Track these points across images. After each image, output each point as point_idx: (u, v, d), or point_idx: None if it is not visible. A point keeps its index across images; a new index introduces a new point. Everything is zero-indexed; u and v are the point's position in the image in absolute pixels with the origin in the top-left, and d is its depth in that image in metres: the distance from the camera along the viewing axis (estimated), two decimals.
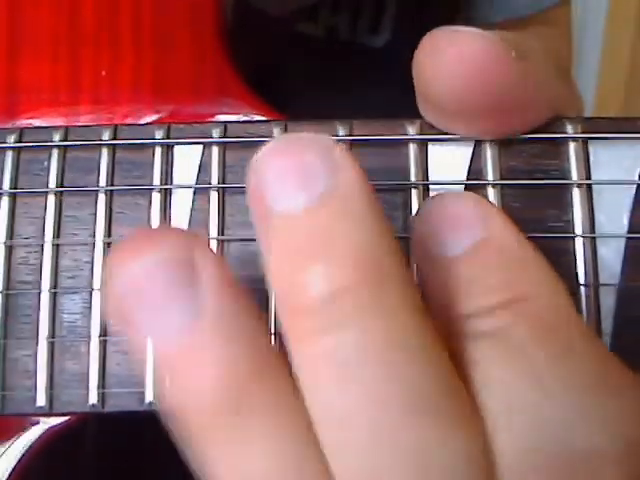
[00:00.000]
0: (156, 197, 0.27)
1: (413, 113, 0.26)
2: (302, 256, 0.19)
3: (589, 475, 0.18)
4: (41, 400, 0.27)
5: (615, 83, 1.40)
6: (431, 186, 0.26)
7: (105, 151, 0.28)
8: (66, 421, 0.28)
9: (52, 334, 0.27)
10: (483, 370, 0.20)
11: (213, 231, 0.27)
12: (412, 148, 0.26)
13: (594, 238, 0.25)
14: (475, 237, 0.21)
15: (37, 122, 0.30)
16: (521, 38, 0.23)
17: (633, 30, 1.39)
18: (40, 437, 0.28)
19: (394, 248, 0.19)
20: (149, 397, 0.26)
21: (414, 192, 0.26)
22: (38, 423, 0.28)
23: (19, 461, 0.28)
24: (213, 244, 0.27)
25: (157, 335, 0.19)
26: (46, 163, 0.28)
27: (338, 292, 0.18)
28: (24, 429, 0.28)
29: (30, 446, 0.28)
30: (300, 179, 0.19)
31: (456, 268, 0.21)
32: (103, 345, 0.27)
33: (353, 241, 0.19)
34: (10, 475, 0.28)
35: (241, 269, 0.26)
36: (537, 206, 0.26)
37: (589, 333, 0.20)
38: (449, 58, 0.22)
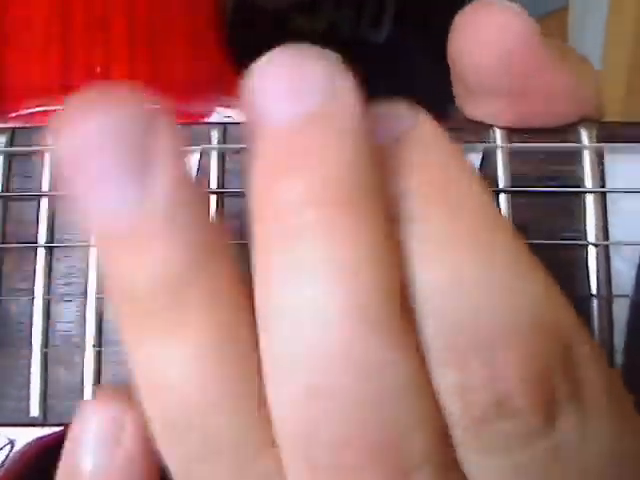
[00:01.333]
0: None
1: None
2: (280, 167, 0.19)
3: (494, 352, 0.18)
4: (35, 410, 0.26)
5: (615, 83, 1.40)
6: None
7: None
8: (59, 432, 0.27)
9: (45, 343, 0.26)
10: (409, 254, 0.19)
11: None
12: None
13: (607, 249, 0.24)
14: (404, 126, 0.21)
15: (29, 120, 0.29)
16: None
17: (633, 30, 1.39)
18: (31, 447, 0.28)
19: (373, 177, 0.19)
20: None
21: None
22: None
23: (6, 472, 0.27)
24: None
25: (100, 207, 0.18)
26: (39, 165, 0.27)
27: (311, 202, 0.18)
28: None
29: (22, 456, 0.28)
30: (295, 91, 0.19)
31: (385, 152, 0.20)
32: (97, 354, 0.26)
33: (341, 161, 0.18)
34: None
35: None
36: (549, 215, 0.25)
37: (504, 225, 0.20)
38: (486, 39, 0.22)
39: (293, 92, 0.19)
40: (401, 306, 0.19)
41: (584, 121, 0.25)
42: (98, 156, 0.18)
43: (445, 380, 0.19)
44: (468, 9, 0.23)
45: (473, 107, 0.25)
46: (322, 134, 0.19)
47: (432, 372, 0.19)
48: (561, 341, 0.19)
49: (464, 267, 0.19)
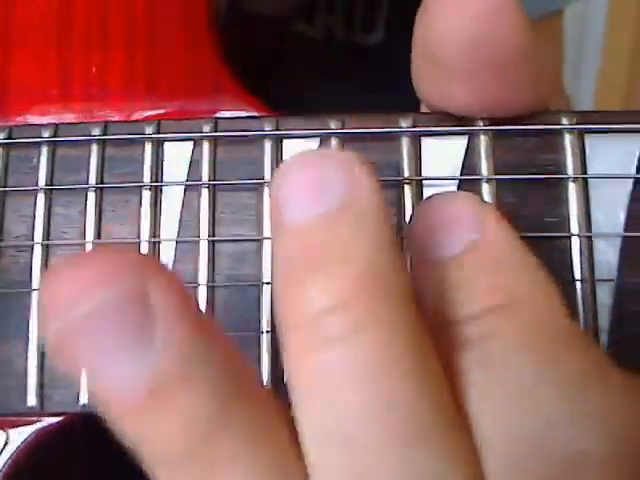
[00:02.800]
0: (146, 194, 0.27)
1: (410, 110, 0.26)
2: (303, 268, 0.18)
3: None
4: (32, 400, 0.27)
5: (615, 83, 1.40)
6: (424, 181, 0.26)
7: (95, 148, 0.27)
8: (57, 421, 0.28)
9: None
10: (469, 382, 0.19)
11: (204, 228, 0.26)
12: (405, 142, 0.26)
13: (590, 233, 0.25)
14: (468, 239, 0.21)
15: (27, 120, 0.30)
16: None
17: (633, 30, 1.39)
18: (30, 436, 0.28)
19: (399, 267, 0.19)
20: None
21: (407, 188, 0.26)
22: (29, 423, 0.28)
23: (9, 460, 0.28)
24: (204, 244, 0.26)
25: (109, 385, 0.18)
26: (35, 161, 0.27)
27: (338, 306, 0.18)
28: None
29: (20, 445, 0.28)
30: (314, 192, 0.19)
31: (447, 271, 0.20)
32: None
33: (359, 256, 0.18)
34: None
35: (232, 267, 0.26)
36: (532, 201, 0.25)
37: (577, 335, 0.20)
38: (457, 15, 0.22)
39: (314, 191, 0.19)
40: (451, 418, 0.18)
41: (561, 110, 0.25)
42: (96, 336, 0.17)
43: None
44: None
45: (439, 90, 0.24)
46: (343, 231, 0.19)
47: None
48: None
49: (536, 397, 0.18)
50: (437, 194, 0.22)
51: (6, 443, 0.28)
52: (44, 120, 0.29)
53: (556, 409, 0.18)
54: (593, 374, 0.19)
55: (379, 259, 0.18)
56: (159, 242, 0.27)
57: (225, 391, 0.18)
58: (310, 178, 0.19)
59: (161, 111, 0.29)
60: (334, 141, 0.26)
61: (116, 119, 0.29)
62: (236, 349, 0.19)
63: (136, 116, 0.29)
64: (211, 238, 0.26)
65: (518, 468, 0.18)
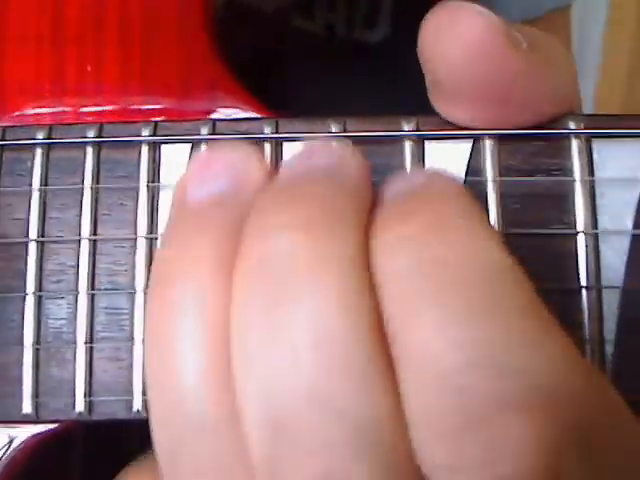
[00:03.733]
0: (143, 198, 0.26)
1: (412, 108, 0.26)
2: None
3: (492, 428, 0.17)
4: (27, 407, 0.26)
5: (615, 83, 1.40)
6: None
7: (90, 150, 0.27)
8: (52, 429, 0.27)
9: (37, 340, 0.26)
10: (391, 312, 0.19)
11: None
12: (408, 146, 0.25)
13: (597, 239, 0.24)
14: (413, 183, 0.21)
15: (22, 119, 0.29)
16: (536, 31, 0.23)
17: (633, 30, 1.39)
18: (24, 444, 0.28)
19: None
20: (137, 405, 0.26)
21: None
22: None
23: (3, 469, 0.27)
24: None
25: None
26: (30, 163, 0.27)
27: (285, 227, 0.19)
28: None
29: (14, 452, 0.28)
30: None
31: (382, 206, 0.21)
32: (89, 351, 0.26)
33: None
34: None
35: None
36: (538, 207, 0.25)
37: (509, 272, 0.19)
38: (450, 38, 0.22)
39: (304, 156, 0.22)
40: (381, 355, 0.18)
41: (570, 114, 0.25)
42: None
43: (433, 456, 0.17)
44: (437, 10, 0.23)
45: (450, 111, 0.25)
46: (321, 182, 0.20)
47: (416, 443, 0.18)
48: (578, 419, 0.17)
49: (454, 330, 0.17)
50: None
51: (5, 451, 0.27)
52: (39, 117, 0.29)
53: (479, 349, 0.17)
54: (525, 319, 0.18)
55: (346, 203, 0.20)
56: (156, 245, 0.26)
57: None
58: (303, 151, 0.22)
59: (156, 107, 0.29)
60: None
61: (111, 111, 0.29)
62: None
63: (131, 114, 0.29)
64: None
65: (434, 409, 0.17)
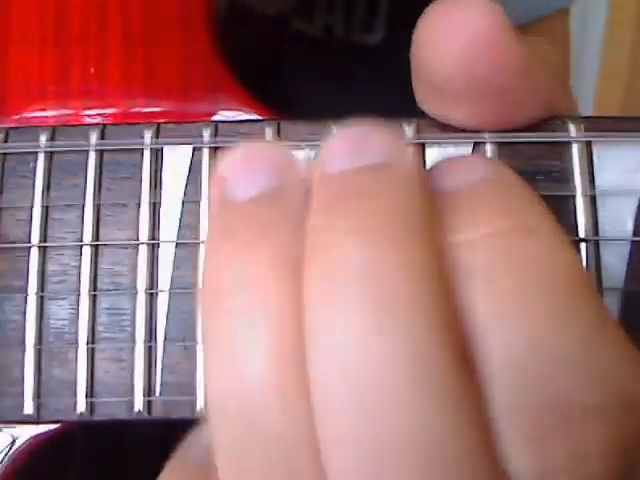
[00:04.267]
0: (145, 199, 0.26)
1: (412, 110, 0.26)
2: (332, 206, 0.19)
3: (575, 431, 0.17)
4: (28, 408, 0.26)
5: (615, 83, 1.40)
6: None
7: (93, 152, 0.27)
8: (54, 429, 0.27)
9: (39, 341, 0.26)
10: (477, 321, 0.18)
11: (204, 234, 0.26)
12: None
13: (597, 244, 0.24)
14: (480, 175, 0.20)
15: (25, 120, 0.29)
16: (525, 36, 0.22)
17: (633, 30, 1.39)
18: (26, 445, 0.28)
19: (421, 226, 0.19)
20: (138, 405, 0.26)
21: None
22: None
23: (4, 470, 0.27)
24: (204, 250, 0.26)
25: None
26: (32, 164, 0.27)
27: (353, 236, 0.18)
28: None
29: (15, 453, 0.28)
30: (358, 150, 0.20)
31: (455, 199, 0.20)
32: (91, 352, 0.26)
33: (384, 202, 0.19)
34: None
35: None
36: None
37: (589, 283, 0.19)
38: (450, 36, 0.22)
39: (356, 150, 0.20)
40: (460, 365, 0.17)
41: (568, 116, 0.25)
42: None
43: (518, 463, 0.17)
44: (434, 6, 0.22)
45: (441, 110, 0.24)
46: (381, 181, 0.19)
47: (500, 447, 0.17)
48: None
49: (543, 334, 0.17)
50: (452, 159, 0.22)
51: (7, 452, 0.27)
52: (42, 119, 0.29)
53: (563, 355, 0.17)
54: (601, 326, 0.18)
55: (414, 209, 0.19)
56: (158, 247, 0.26)
57: None
58: (356, 138, 0.20)
59: (158, 110, 0.29)
60: None
61: (114, 113, 0.29)
62: None
63: (134, 115, 0.29)
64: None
65: (520, 412, 0.17)
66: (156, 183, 0.26)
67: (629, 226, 0.24)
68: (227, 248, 0.19)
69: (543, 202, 0.20)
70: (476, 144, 0.25)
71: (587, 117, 0.25)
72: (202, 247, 0.26)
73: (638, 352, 0.19)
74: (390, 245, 0.18)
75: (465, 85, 0.22)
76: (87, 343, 0.26)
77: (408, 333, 0.17)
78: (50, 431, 0.27)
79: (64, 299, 0.26)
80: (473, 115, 0.24)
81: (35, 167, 0.27)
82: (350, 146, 0.20)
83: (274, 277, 0.19)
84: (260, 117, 0.29)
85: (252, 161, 0.21)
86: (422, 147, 0.25)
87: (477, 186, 0.20)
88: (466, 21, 0.22)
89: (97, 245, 0.26)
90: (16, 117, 0.30)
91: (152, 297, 0.26)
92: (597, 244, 0.24)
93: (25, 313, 0.26)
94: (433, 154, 0.25)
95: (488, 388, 0.17)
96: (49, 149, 0.27)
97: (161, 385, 0.26)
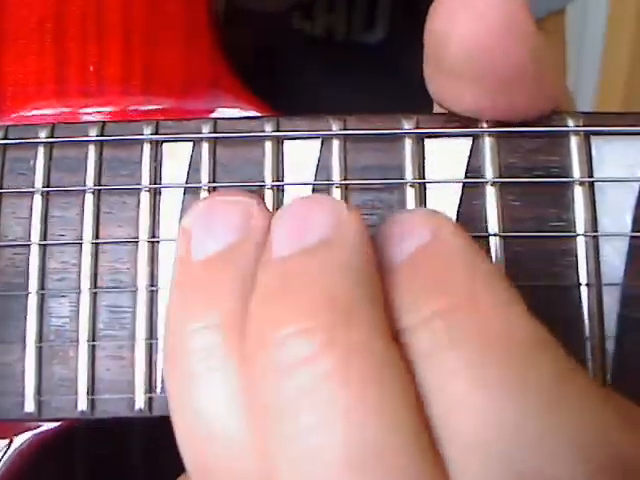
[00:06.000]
0: (145, 196, 0.26)
1: (412, 108, 0.26)
2: (273, 295, 0.19)
3: None
4: (30, 406, 0.26)
5: (615, 84, 1.39)
6: (428, 185, 0.25)
7: (92, 149, 0.27)
8: (56, 427, 0.27)
9: (40, 338, 0.26)
10: (430, 401, 0.18)
11: None
12: (408, 143, 0.26)
13: (596, 238, 0.24)
14: (418, 243, 0.20)
15: (23, 119, 0.29)
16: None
17: (633, 30, 1.39)
18: (28, 443, 0.28)
19: (373, 298, 0.19)
20: (139, 403, 0.26)
21: (410, 190, 0.25)
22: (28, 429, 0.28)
23: (5, 465, 0.27)
24: None
25: None
26: (32, 162, 0.27)
27: (305, 331, 0.18)
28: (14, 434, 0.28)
29: (16, 450, 0.28)
30: (301, 228, 0.20)
31: (396, 276, 0.20)
32: (92, 349, 0.26)
33: (333, 286, 0.19)
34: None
35: None
36: (537, 204, 0.25)
37: (539, 342, 0.18)
38: (470, 16, 0.22)
39: (299, 229, 0.20)
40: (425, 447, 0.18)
41: (567, 112, 0.25)
42: None
43: None
44: None
45: (452, 94, 0.24)
46: (320, 263, 0.19)
47: None
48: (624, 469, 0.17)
49: (498, 411, 0.17)
50: (398, 211, 0.22)
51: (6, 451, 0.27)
52: (40, 119, 0.29)
53: (524, 429, 0.17)
54: (561, 387, 0.18)
55: (353, 290, 0.19)
56: (158, 244, 0.26)
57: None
58: (297, 218, 0.20)
59: (158, 107, 0.29)
60: (336, 142, 0.26)
61: (113, 111, 0.29)
62: None
63: (133, 113, 0.29)
64: None
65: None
66: (156, 180, 0.26)
67: (628, 220, 0.24)
68: (179, 307, 0.21)
69: (486, 259, 0.20)
70: (475, 138, 0.25)
71: (586, 112, 0.25)
72: None
73: (612, 396, 0.18)
74: (331, 339, 0.18)
75: (482, 65, 0.22)
76: (88, 341, 0.26)
77: (374, 444, 0.17)
78: (51, 429, 0.27)
79: (65, 297, 0.26)
80: (481, 98, 0.23)
81: (35, 165, 0.27)
82: (291, 227, 0.20)
83: (220, 346, 0.19)
84: (260, 114, 0.29)
85: (212, 217, 0.21)
86: (422, 140, 0.26)
87: (416, 258, 0.20)
88: (484, 2, 0.22)
89: (98, 238, 0.26)
90: (15, 115, 0.30)
91: (152, 294, 0.26)
92: (596, 238, 0.24)
93: (26, 311, 0.26)
94: (432, 148, 0.26)
95: (453, 467, 0.18)
96: (49, 140, 0.27)
97: (162, 382, 0.26)
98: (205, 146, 0.26)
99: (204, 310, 0.20)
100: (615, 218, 0.24)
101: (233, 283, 0.20)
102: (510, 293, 0.19)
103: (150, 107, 0.29)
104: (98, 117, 0.29)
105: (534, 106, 0.24)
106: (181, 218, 0.26)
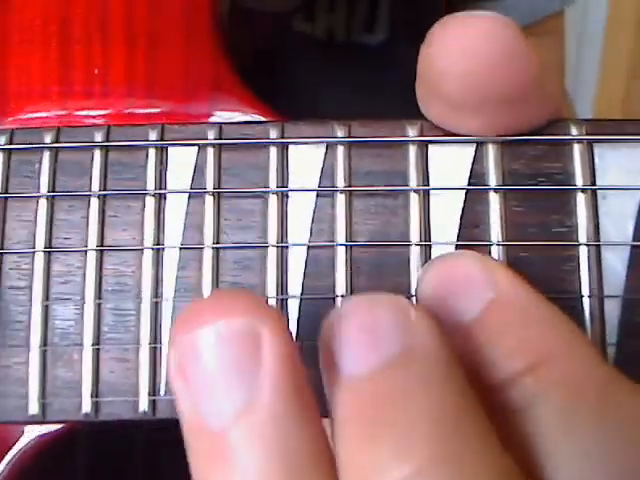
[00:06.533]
0: (150, 200, 0.27)
1: (413, 110, 0.26)
2: (369, 431, 0.17)
3: None
4: (33, 408, 0.26)
5: (615, 84, 1.40)
6: (431, 191, 0.25)
7: (97, 153, 0.27)
8: (59, 429, 0.28)
9: (44, 341, 0.26)
10: (535, 454, 0.18)
11: (208, 235, 0.26)
12: (412, 150, 0.26)
13: (599, 245, 0.24)
14: (484, 298, 0.20)
15: (27, 121, 0.29)
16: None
17: (633, 30, 1.39)
18: (32, 445, 0.28)
19: (474, 419, 0.18)
20: (143, 406, 0.26)
21: (414, 196, 0.25)
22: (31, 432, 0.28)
23: (8, 467, 0.28)
24: (208, 249, 0.26)
25: (206, 411, 0.18)
26: (37, 165, 0.27)
27: (411, 476, 0.17)
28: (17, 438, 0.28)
29: (22, 454, 0.28)
30: (371, 340, 0.18)
31: (471, 336, 0.20)
32: (96, 352, 0.26)
33: (429, 412, 0.17)
34: None
35: (237, 275, 0.26)
36: (541, 211, 0.25)
37: (617, 384, 0.19)
38: (464, 47, 0.22)
39: (371, 339, 0.18)
40: None
41: (570, 119, 0.25)
42: (207, 365, 0.18)
43: None
44: (445, 21, 0.22)
45: (451, 123, 0.24)
46: (404, 383, 0.18)
47: None
48: None
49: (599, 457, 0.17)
50: (438, 257, 0.22)
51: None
52: (45, 122, 0.29)
53: (618, 469, 0.17)
54: None
55: (448, 414, 0.17)
56: (163, 249, 0.26)
57: (301, 462, 0.17)
58: (363, 324, 0.18)
59: (161, 110, 0.29)
60: (340, 148, 0.26)
61: (117, 114, 0.29)
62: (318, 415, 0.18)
63: (137, 116, 0.29)
64: (215, 245, 0.26)
65: None
66: (161, 184, 0.27)
67: (630, 227, 0.25)
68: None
69: (544, 303, 0.20)
70: (479, 145, 0.25)
71: (589, 120, 0.25)
72: (207, 249, 0.26)
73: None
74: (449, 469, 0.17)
75: (479, 96, 0.22)
76: (92, 344, 0.26)
77: None
78: (55, 431, 0.28)
79: (69, 300, 0.26)
80: (486, 125, 0.24)
81: (40, 168, 0.27)
82: (363, 341, 0.18)
83: None
84: (263, 118, 0.29)
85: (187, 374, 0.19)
86: (425, 146, 0.26)
87: (487, 318, 0.20)
88: (476, 34, 0.21)
89: (102, 245, 0.27)
90: (19, 118, 0.30)
91: (157, 297, 0.26)
92: (598, 246, 0.25)
93: (30, 314, 0.26)
94: (436, 154, 0.26)
95: None
96: (55, 145, 0.27)
97: (166, 385, 0.26)
98: (210, 151, 0.27)
99: None
100: (617, 225, 0.25)
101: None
102: (575, 333, 0.19)
103: (154, 109, 0.29)
104: (102, 120, 0.29)
105: (538, 118, 0.24)
106: (186, 220, 0.26)
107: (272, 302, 0.26)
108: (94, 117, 0.29)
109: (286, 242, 0.26)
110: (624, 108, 1.38)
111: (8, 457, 0.28)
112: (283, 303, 0.26)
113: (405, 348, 0.18)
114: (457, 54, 0.22)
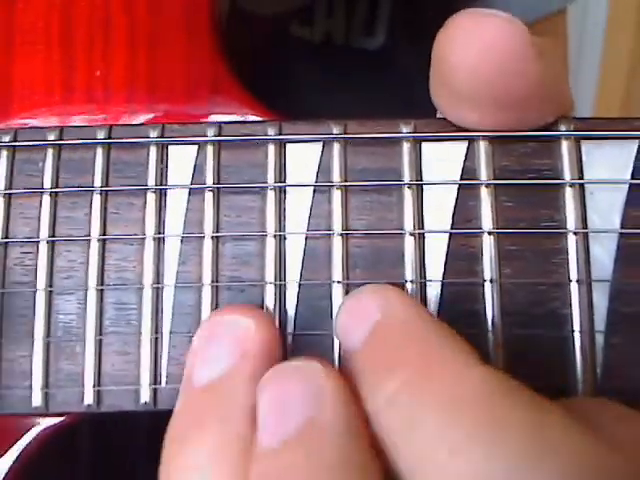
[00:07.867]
0: (151, 197, 0.27)
1: (411, 114, 0.26)
2: None
3: None
4: (37, 400, 0.27)
5: (615, 84, 1.40)
6: (424, 185, 0.26)
7: (100, 151, 0.28)
8: (61, 421, 0.28)
9: (47, 334, 0.27)
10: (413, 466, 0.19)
11: (208, 231, 0.27)
12: (406, 147, 0.26)
13: (587, 237, 0.25)
14: (369, 326, 0.21)
15: (31, 123, 0.30)
16: (539, 37, 0.23)
17: (633, 30, 1.39)
18: (36, 437, 0.28)
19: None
20: (144, 397, 0.26)
21: (408, 192, 0.26)
22: (35, 424, 0.28)
23: (15, 461, 0.28)
24: (208, 244, 0.27)
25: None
26: (41, 164, 0.28)
27: None
28: (22, 432, 0.28)
29: (26, 446, 0.28)
30: (277, 414, 0.19)
31: (355, 362, 0.20)
32: (98, 345, 0.27)
33: None
34: (6, 476, 0.28)
35: (235, 269, 0.27)
36: (530, 205, 0.26)
37: (500, 387, 0.18)
38: (478, 45, 0.22)
39: (276, 413, 0.20)
40: None
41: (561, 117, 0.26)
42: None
43: None
44: (461, 16, 0.23)
45: (458, 114, 0.25)
46: (304, 460, 0.19)
47: None
48: None
49: (494, 469, 0.17)
50: (347, 296, 0.23)
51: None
52: (48, 123, 0.30)
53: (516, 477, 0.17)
54: (533, 426, 0.18)
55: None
56: (163, 243, 0.27)
57: None
58: (273, 399, 0.20)
59: (162, 112, 0.30)
60: (337, 145, 0.27)
61: (118, 116, 0.29)
62: None
63: (138, 117, 0.30)
64: (215, 234, 0.27)
65: None
66: (162, 181, 0.27)
67: (616, 220, 0.25)
68: (179, 425, 0.21)
69: (435, 323, 0.20)
70: (470, 142, 0.26)
71: (578, 118, 0.26)
72: (206, 245, 0.27)
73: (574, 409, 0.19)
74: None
75: (488, 93, 0.23)
76: (94, 337, 0.27)
77: None
78: (57, 424, 0.28)
79: (72, 294, 0.27)
80: (488, 118, 0.24)
81: (43, 167, 0.28)
82: (273, 413, 0.20)
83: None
84: (261, 118, 0.30)
85: (211, 339, 0.22)
86: (419, 143, 0.26)
87: (371, 342, 0.20)
88: (491, 33, 0.22)
89: (104, 240, 0.27)
90: (21, 118, 0.30)
91: (158, 291, 0.27)
92: (586, 238, 0.25)
93: (34, 308, 0.27)
94: (429, 151, 0.26)
95: None
96: (58, 142, 0.28)
97: (167, 377, 0.26)
98: (210, 149, 0.27)
99: (196, 439, 0.21)
100: (604, 218, 0.25)
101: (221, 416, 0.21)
102: (464, 351, 0.19)
103: (154, 110, 0.30)
104: (103, 120, 0.30)
105: (544, 117, 0.25)
106: (186, 216, 0.27)
107: (270, 295, 0.26)
108: (96, 118, 0.30)
109: (284, 237, 0.26)
110: (624, 108, 1.38)
111: (15, 450, 0.28)
112: (281, 297, 0.26)
113: (308, 421, 0.19)
114: (469, 51, 0.22)
